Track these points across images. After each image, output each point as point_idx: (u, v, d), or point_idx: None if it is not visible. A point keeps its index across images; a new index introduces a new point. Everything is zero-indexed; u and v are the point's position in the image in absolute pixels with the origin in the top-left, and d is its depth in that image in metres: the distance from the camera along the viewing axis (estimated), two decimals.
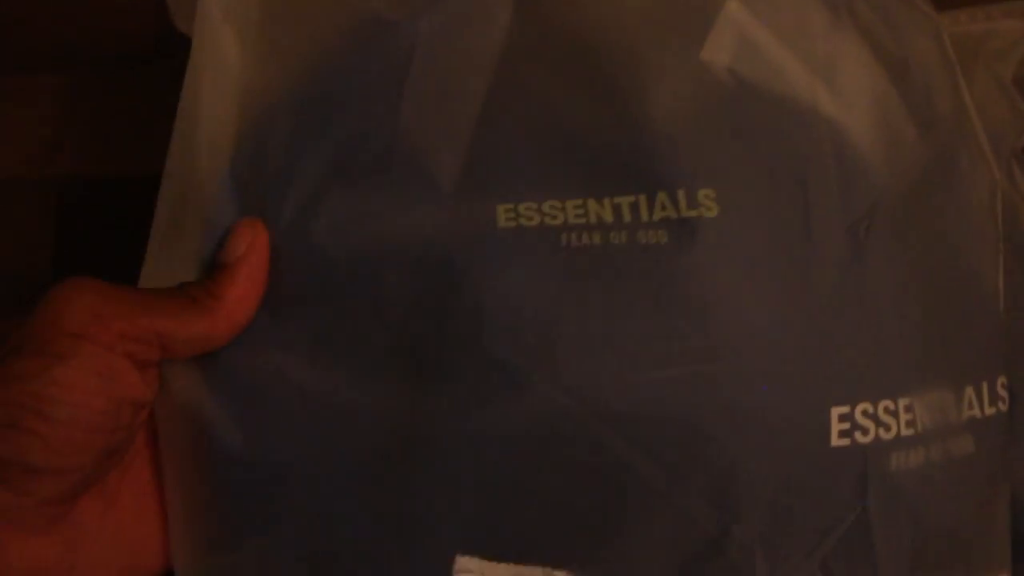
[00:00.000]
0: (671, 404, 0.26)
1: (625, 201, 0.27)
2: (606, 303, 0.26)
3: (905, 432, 0.27)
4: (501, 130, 0.28)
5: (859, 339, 0.27)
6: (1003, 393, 0.30)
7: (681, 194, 0.27)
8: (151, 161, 0.32)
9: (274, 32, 0.31)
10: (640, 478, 0.26)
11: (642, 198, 0.27)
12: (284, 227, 0.29)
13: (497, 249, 0.27)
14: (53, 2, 0.46)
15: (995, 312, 0.30)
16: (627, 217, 0.27)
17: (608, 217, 0.27)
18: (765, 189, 0.27)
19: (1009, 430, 0.30)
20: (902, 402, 0.27)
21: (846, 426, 0.26)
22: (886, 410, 0.26)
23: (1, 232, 0.43)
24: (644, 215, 0.27)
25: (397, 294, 0.28)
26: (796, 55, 0.29)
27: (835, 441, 0.26)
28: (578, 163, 0.27)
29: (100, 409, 0.25)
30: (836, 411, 0.26)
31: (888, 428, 0.26)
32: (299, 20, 0.31)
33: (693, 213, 0.26)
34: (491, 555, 0.26)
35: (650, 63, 0.28)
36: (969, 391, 0.29)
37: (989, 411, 0.29)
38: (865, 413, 0.26)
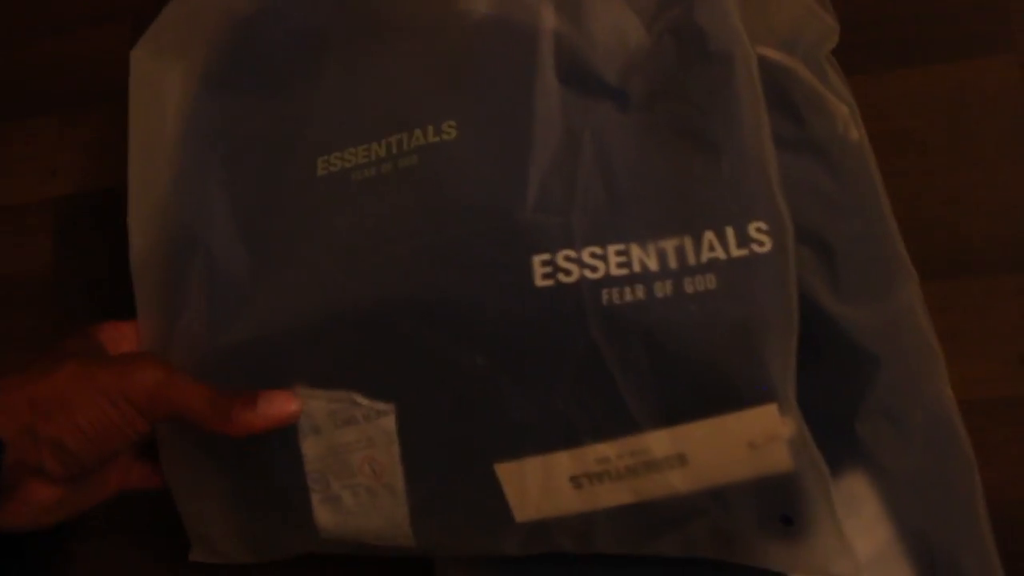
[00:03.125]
0: (421, 277, 0.32)
1: (394, 139, 0.36)
2: (381, 216, 0.35)
3: (616, 272, 0.31)
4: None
5: (574, 197, 0.33)
6: (759, 236, 0.33)
7: (430, 128, 0.35)
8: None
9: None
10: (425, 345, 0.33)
11: (404, 135, 0.36)
12: None
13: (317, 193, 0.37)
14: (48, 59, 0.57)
15: (740, 166, 0.34)
16: (394, 150, 0.35)
17: (382, 152, 0.35)
18: (497, 107, 0.35)
19: (771, 268, 0.33)
20: (613, 248, 0.31)
21: (548, 269, 0.31)
22: (592, 255, 0.31)
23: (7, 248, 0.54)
24: (406, 146, 0.35)
25: None
26: None
27: (539, 282, 0.31)
28: (366, 117, 0.37)
29: (125, 441, 0.36)
30: (537, 258, 0.31)
31: (595, 270, 0.31)
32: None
33: (437, 139, 0.35)
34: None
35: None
36: (709, 236, 0.32)
37: (738, 253, 0.33)
38: (568, 258, 0.31)
